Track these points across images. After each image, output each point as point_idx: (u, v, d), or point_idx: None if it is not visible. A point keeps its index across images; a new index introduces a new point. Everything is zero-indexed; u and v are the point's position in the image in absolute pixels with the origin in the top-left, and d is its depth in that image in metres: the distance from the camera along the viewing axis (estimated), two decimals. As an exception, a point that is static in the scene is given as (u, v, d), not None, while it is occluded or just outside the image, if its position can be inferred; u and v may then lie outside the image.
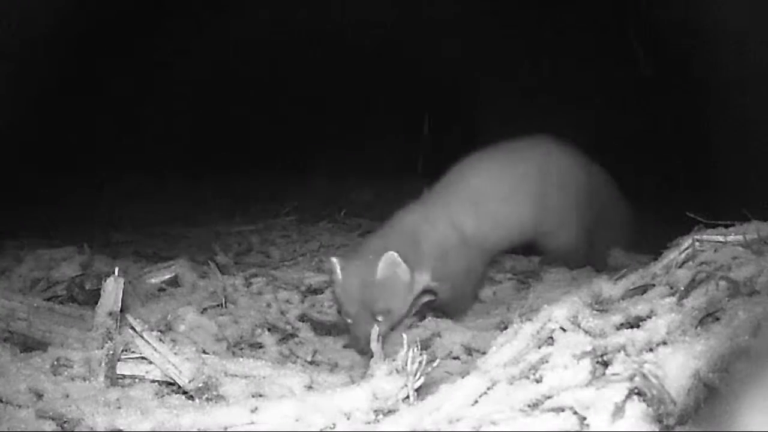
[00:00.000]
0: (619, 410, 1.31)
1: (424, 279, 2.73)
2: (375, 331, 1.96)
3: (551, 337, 1.77)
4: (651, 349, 1.57)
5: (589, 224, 3.30)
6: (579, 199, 3.23)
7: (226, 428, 1.61)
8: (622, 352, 1.57)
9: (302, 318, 2.82)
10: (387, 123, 6.98)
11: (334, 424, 1.59)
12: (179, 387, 1.85)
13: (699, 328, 1.64)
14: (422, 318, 2.77)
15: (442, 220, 2.84)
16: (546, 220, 3.15)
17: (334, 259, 2.66)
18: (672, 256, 2.13)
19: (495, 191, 3.03)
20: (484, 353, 1.95)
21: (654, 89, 5.47)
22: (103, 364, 1.89)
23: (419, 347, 1.71)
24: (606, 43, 5.76)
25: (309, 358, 2.49)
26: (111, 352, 1.91)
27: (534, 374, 1.59)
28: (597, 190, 3.36)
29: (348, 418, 1.61)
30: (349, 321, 2.57)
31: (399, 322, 2.70)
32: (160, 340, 1.94)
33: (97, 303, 2.07)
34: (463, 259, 2.84)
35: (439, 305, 2.86)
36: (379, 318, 2.51)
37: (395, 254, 2.53)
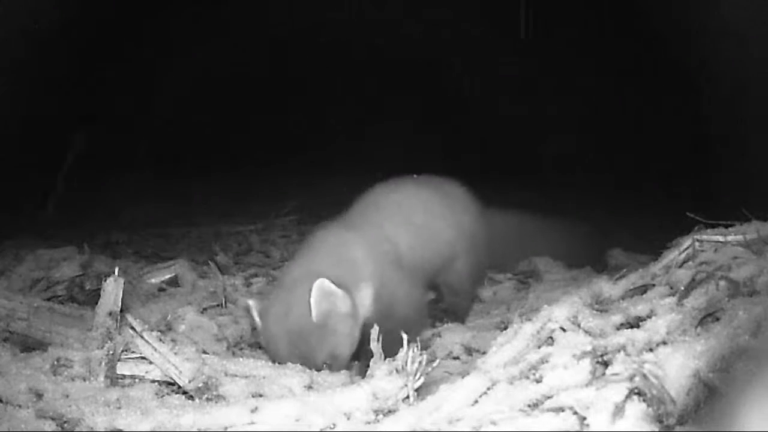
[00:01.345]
0: (619, 410, 1.31)
1: (365, 300, 2.24)
2: (375, 330, 1.96)
3: (551, 337, 1.78)
4: (651, 349, 1.57)
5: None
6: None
7: (226, 428, 1.61)
8: (622, 352, 1.57)
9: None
10: (387, 123, 6.99)
11: (334, 424, 1.59)
12: (179, 387, 1.86)
13: (699, 328, 1.64)
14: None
15: (376, 236, 2.45)
16: (459, 243, 2.82)
17: (249, 302, 2.22)
18: (672, 256, 2.13)
19: (425, 208, 2.73)
20: (484, 353, 1.96)
21: (653, 89, 5.47)
22: (103, 364, 1.89)
23: (419, 347, 1.71)
24: (606, 43, 5.77)
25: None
26: (111, 352, 1.91)
27: (534, 374, 1.59)
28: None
29: (348, 418, 1.61)
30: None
31: (346, 362, 2.18)
32: (160, 340, 1.94)
33: (97, 303, 2.07)
34: (403, 280, 2.41)
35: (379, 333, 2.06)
36: (323, 366, 2.05)
37: (325, 281, 2.05)
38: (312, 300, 2.03)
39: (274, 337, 2.10)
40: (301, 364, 2.00)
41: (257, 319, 2.18)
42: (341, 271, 2.17)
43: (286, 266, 2.45)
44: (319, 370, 2.01)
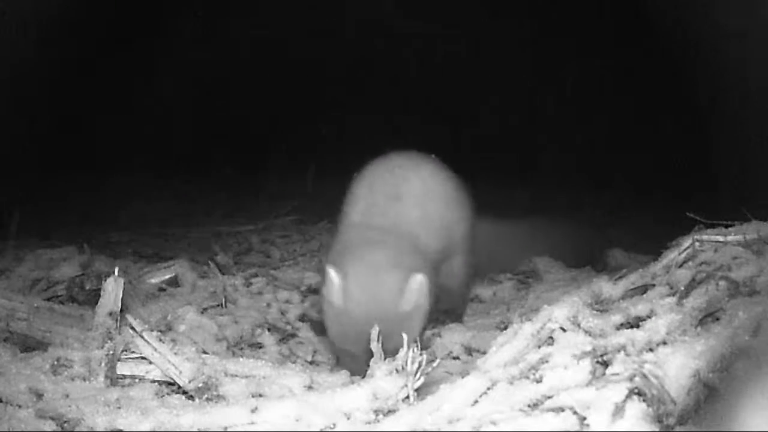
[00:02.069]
0: (619, 410, 1.31)
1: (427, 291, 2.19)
2: (375, 330, 1.95)
3: (551, 337, 1.77)
4: (651, 349, 1.57)
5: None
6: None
7: (226, 428, 1.61)
8: (622, 352, 1.57)
9: (302, 318, 2.82)
10: (387, 123, 6.98)
11: (334, 424, 1.59)
12: (179, 387, 1.85)
13: (699, 328, 1.64)
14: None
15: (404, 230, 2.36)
16: (462, 239, 2.76)
17: (332, 271, 2.10)
18: (672, 256, 2.13)
19: (441, 196, 2.62)
20: (484, 353, 1.95)
21: (653, 89, 5.48)
22: (103, 364, 1.89)
23: (419, 347, 1.71)
24: (606, 43, 5.77)
25: (309, 358, 2.49)
26: (111, 352, 1.91)
27: (534, 374, 1.59)
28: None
29: (348, 418, 1.61)
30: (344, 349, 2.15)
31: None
32: (160, 340, 1.94)
33: (97, 303, 2.07)
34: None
35: None
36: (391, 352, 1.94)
37: (424, 279, 2.09)
38: (407, 290, 2.07)
39: (357, 313, 2.06)
40: (367, 344, 1.92)
41: (340, 292, 2.08)
42: (421, 265, 2.17)
43: (360, 243, 2.26)
44: (390, 354, 1.88)
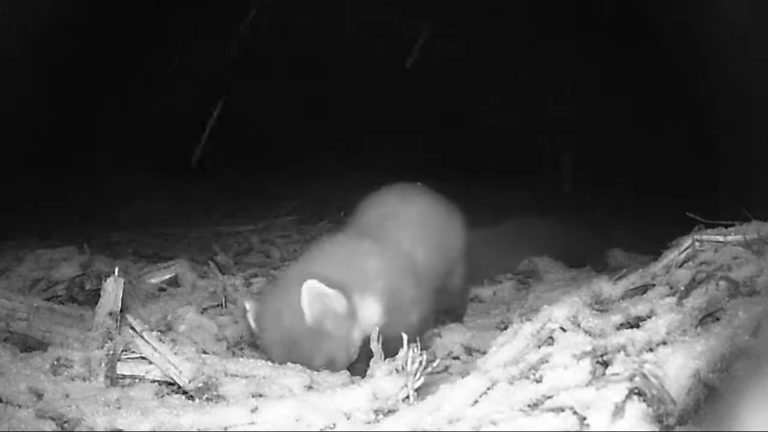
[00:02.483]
0: (619, 410, 1.31)
1: (373, 313, 2.13)
2: (375, 330, 1.96)
3: (551, 337, 1.78)
4: (651, 349, 1.57)
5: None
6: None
7: (226, 428, 1.61)
8: (622, 352, 1.57)
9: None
10: (387, 123, 6.99)
11: (334, 424, 1.59)
12: (179, 387, 1.85)
13: (699, 328, 1.64)
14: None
15: (394, 250, 2.34)
16: (460, 250, 2.80)
17: (246, 305, 2.12)
18: (672, 256, 2.13)
19: (437, 217, 2.68)
20: (484, 353, 1.95)
21: (653, 89, 5.48)
22: (103, 364, 1.89)
23: (419, 347, 1.71)
24: (606, 43, 5.77)
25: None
26: (111, 352, 1.91)
27: (534, 374, 1.59)
28: None
29: (348, 418, 1.62)
30: None
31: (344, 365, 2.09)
32: (160, 340, 1.94)
33: (97, 303, 2.07)
34: (415, 296, 2.30)
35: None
36: (320, 369, 1.99)
37: (315, 282, 1.96)
38: (304, 302, 1.95)
39: (270, 341, 2.06)
40: (300, 365, 1.97)
41: (252, 323, 2.12)
42: (346, 276, 2.09)
43: (285, 268, 2.38)
44: (318, 371, 1.98)
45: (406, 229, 2.46)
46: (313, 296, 1.96)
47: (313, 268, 2.11)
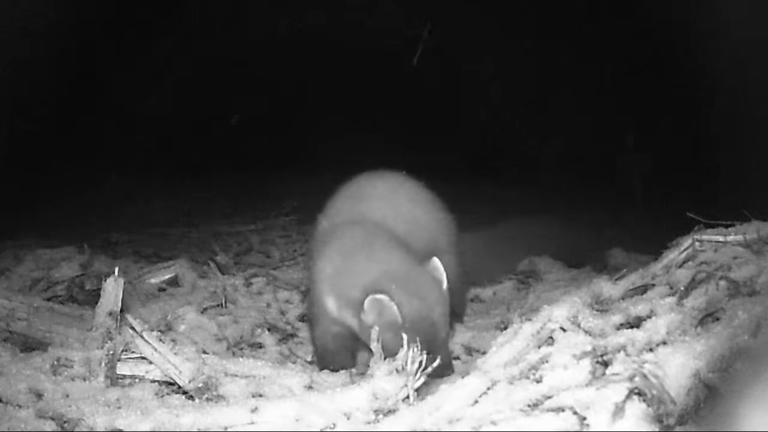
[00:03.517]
0: (619, 410, 1.31)
1: None
2: (375, 330, 1.95)
3: (551, 337, 1.77)
4: (651, 349, 1.57)
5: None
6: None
7: (226, 428, 1.61)
8: (622, 352, 1.57)
9: (302, 318, 2.82)
10: (387, 123, 6.99)
11: (334, 424, 1.59)
12: (179, 387, 1.85)
13: (699, 328, 1.64)
14: None
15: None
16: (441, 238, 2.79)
17: (379, 297, 2.04)
18: (672, 256, 2.13)
19: (414, 201, 2.70)
20: (484, 353, 1.95)
21: (653, 89, 5.48)
22: (103, 364, 1.89)
23: (419, 347, 1.71)
24: (606, 43, 5.77)
25: (309, 358, 2.49)
26: (111, 352, 1.91)
27: (534, 374, 1.59)
28: None
29: (348, 418, 1.61)
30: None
31: None
32: (160, 340, 1.94)
33: (97, 303, 2.07)
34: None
35: None
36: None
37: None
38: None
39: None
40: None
41: (395, 311, 2.04)
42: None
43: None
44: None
45: (387, 210, 2.50)
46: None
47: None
